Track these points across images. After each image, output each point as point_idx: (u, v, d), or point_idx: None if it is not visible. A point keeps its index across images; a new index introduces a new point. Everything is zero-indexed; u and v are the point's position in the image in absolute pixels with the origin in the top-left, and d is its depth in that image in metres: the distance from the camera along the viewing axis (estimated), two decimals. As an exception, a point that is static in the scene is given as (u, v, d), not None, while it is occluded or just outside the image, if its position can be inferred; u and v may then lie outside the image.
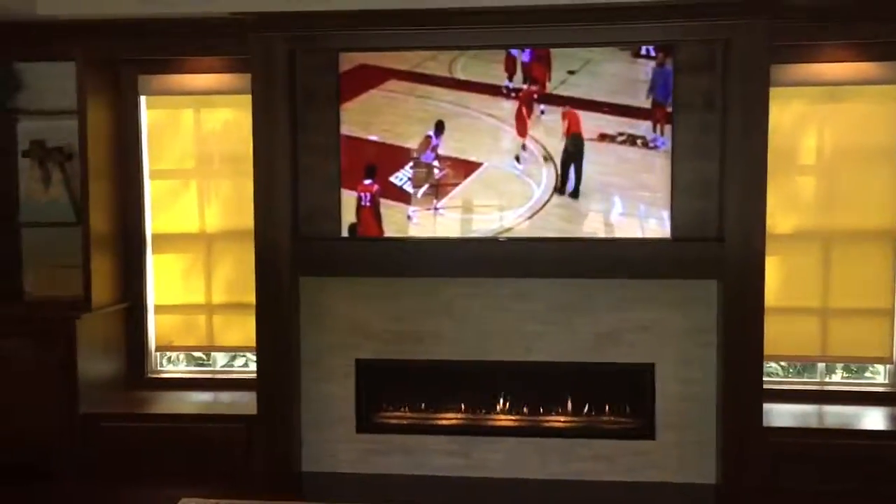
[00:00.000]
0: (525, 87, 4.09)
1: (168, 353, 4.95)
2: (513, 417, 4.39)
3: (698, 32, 3.99)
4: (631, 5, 3.87)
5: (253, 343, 4.28)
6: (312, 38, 4.16)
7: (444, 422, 4.40)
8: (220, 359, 4.98)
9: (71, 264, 4.54)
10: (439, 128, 4.14)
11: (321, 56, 4.23)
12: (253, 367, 5.00)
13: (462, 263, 4.19)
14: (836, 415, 4.30)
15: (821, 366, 4.58)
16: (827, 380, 4.62)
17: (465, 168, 4.17)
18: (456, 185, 4.18)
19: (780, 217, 4.32)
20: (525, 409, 4.39)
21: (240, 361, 5.12)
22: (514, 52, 4.08)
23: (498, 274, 4.20)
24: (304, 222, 4.29)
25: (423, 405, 4.44)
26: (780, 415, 4.24)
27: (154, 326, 4.84)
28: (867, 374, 4.78)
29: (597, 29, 3.97)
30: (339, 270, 4.28)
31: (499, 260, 4.17)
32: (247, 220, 4.41)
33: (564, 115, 4.07)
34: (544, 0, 3.87)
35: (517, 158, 4.13)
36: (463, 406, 4.42)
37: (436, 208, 4.19)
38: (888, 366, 4.47)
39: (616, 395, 4.35)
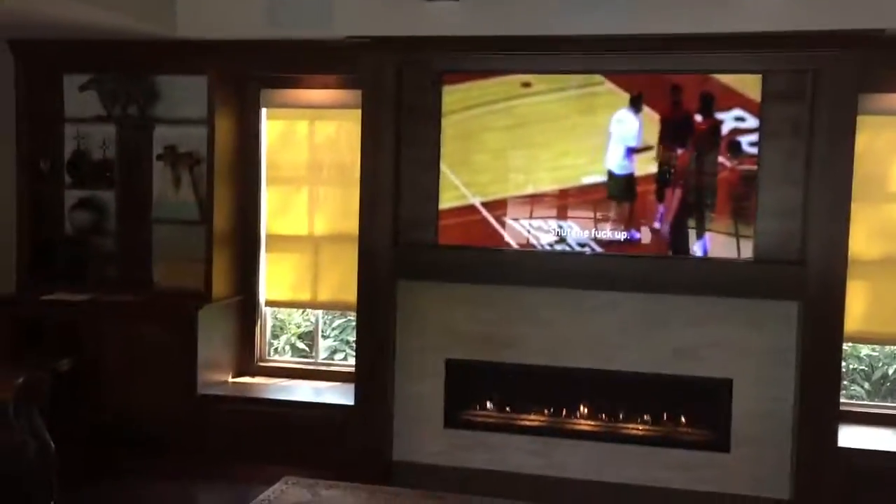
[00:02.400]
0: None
1: (276, 345, 5.37)
2: (592, 423, 4.61)
3: (789, 62, 4.13)
4: (726, 36, 4.04)
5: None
6: (418, 59, 4.49)
7: (527, 423, 4.66)
8: (322, 352, 5.38)
9: (194, 258, 5.01)
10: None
11: (426, 75, 4.55)
12: (351, 360, 5.41)
13: (550, 274, 4.44)
14: (916, 440, 4.34)
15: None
16: (911, 405, 4.66)
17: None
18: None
19: (868, 243, 4.38)
20: (604, 416, 4.61)
21: (339, 356, 5.52)
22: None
23: (584, 286, 4.43)
24: (403, 230, 4.63)
25: (507, 406, 4.71)
26: (859, 437, 4.31)
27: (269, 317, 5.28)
28: (953, 403, 4.78)
29: (693, 58, 4.17)
30: (434, 276, 4.59)
31: (585, 272, 4.41)
32: (350, 225, 4.81)
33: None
34: (643, 29, 4.08)
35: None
36: (545, 409, 4.67)
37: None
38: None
39: (693, 408, 4.51)
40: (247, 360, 5.24)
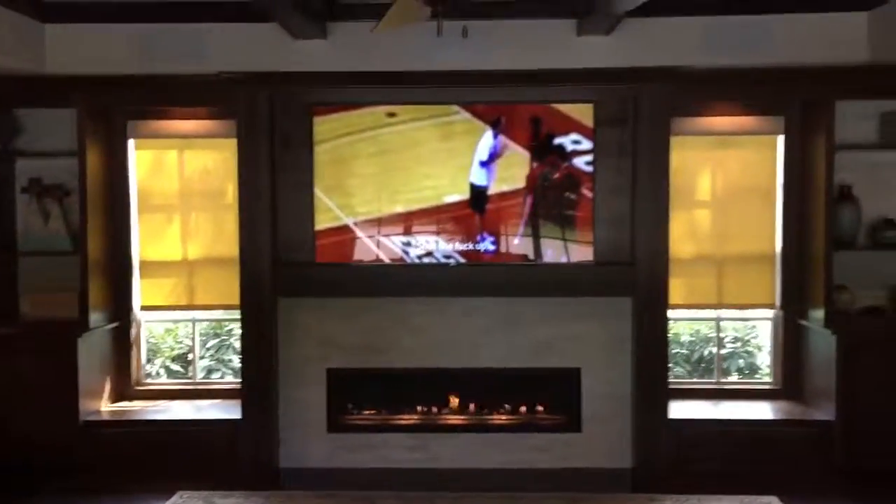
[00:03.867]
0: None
1: (149, 370, 5.53)
2: (462, 416, 5.11)
3: (614, 93, 4.84)
4: (562, 71, 4.70)
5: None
6: (290, 93, 4.85)
7: (404, 421, 5.10)
8: (199, 372, 5.57)
9: (64, 289, 5.06)
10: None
11: (297, 106, 4.90)
12: (228, 378, 5.66)
13: (419, 285, 4.91)
14: (730, 408, 5.14)
15: (716, 367, 5.47)
16: (723, 380, 5.50)
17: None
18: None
19: (683, 244, 5.15)
20: (472, 409, 5.12)
21: (216, 374, 5.73)
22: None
23: (449, 294, 4.93)
24: (282, 251, 4.95)
25: (385, 407, 5.13)
26: (684, 409, 5.06)
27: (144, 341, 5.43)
28: (756, 376, 5.68)
29: (535, 89, 4.79)
30: (313, 292, 4.95)
31: (450, 282, 4.91)
32: (223, 248, 5.12)
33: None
34: (492, 66, 4.65)
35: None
36: (419, 407, 5.13)
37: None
38: (776, 367, 5.37)
39: (549, 395, 5.12)
40: (124, 384, 5.35)
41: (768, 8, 4.69)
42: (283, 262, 4.95)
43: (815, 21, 4.69)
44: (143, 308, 5.38)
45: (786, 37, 4.71)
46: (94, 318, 5.01)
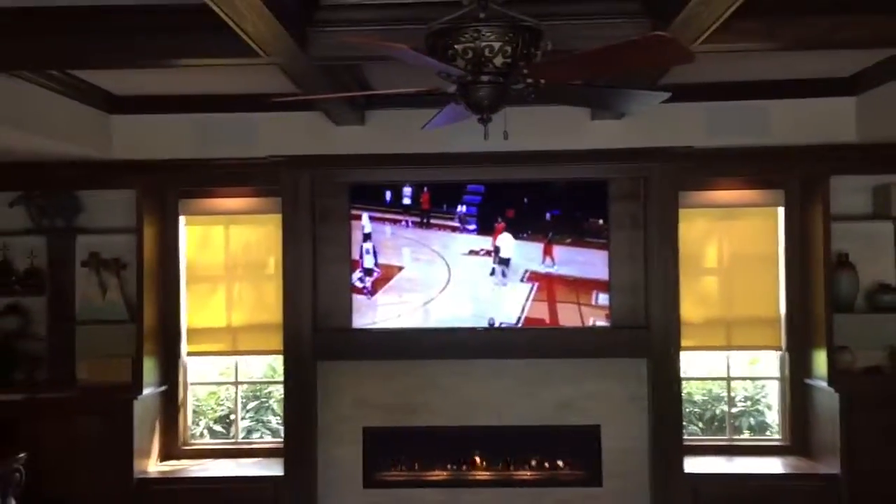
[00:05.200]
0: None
1: (196, 430, 5.89)
2: (489, 472, 5.45)
3: (627, 171, 5.29)
4: (579, 151, 5.17)
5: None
6: (330, 173, 5.32)
7: (435, 477, 5.43)
8: (241, 432, 5.93)
9: (118, 354, 5.45)
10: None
11: (336, 184, 5.37)
12: (267, 438, 6.01)
13: (447, 348, 5.29)
14: (743, 464, 5.45)
15: (728, 425, 5.80)
16: (735, 437, 5.82)
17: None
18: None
19: (693, 309, 5.52)
20: (499, 465, 5.45)
21: (256, 434, 6.09)
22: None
23: (477, 356, 5.31)
24: (321, 317, 5.36)
25: (417, 463, 5.46)
26: (698, 464, 5.37)
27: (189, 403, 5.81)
28: (766, 433, 5.99)
29: (550, 168, 5.24)
30: (350, 355, 5.34)
31: (477, 344, 5.30)
32: (264, 315, 5.54)
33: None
34: (515, 148, 5.07)
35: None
36: (449, 463, 5.46)
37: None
38: (784, 424, 5.69)
39: (571, 452, 5.45)
40: (171, 444, 5.70)
41: (765, 94, 5.14)
42: (323, 328, 5.35)
43: (808, 105, 5.15)
44: (190, 354, 5.76)
45: (782, 120, 5.17)
46: (146, 381, 5.40)
